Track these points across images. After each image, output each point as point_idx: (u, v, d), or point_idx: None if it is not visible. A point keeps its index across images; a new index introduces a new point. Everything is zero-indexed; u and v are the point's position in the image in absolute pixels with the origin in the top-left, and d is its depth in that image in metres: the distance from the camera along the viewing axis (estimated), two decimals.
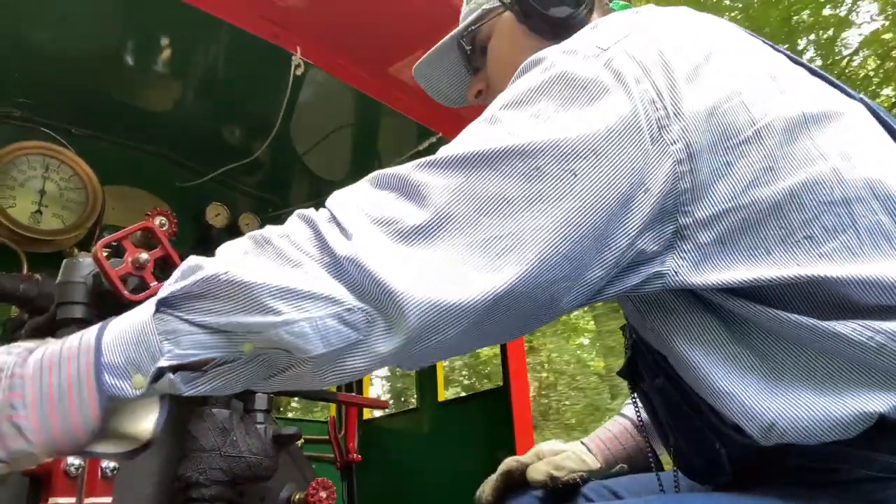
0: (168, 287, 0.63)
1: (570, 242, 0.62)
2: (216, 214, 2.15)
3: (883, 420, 0.61)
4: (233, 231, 2.17)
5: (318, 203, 2.18)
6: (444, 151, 0.67)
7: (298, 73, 1.65)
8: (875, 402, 0.61)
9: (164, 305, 0.63)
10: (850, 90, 0.79)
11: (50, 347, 0.64)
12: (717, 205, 0.65)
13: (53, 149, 1.83)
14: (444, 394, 2.26)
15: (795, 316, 0.63)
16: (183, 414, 1.26)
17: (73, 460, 0.98)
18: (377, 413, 2.58)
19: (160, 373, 0.62)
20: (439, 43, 1.09)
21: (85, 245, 1.85)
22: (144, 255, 1.06)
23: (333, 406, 2.43)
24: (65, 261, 1.17)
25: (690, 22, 0.76)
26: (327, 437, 2.24)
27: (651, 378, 0.84)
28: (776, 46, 0.81)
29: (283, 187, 2.28)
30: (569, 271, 0.63)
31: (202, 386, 0.64)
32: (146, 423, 0.66)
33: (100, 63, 1.72)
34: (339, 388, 2.33)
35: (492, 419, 1.97)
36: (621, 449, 1.22)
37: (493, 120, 0.69)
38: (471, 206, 0.63)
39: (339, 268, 0.61)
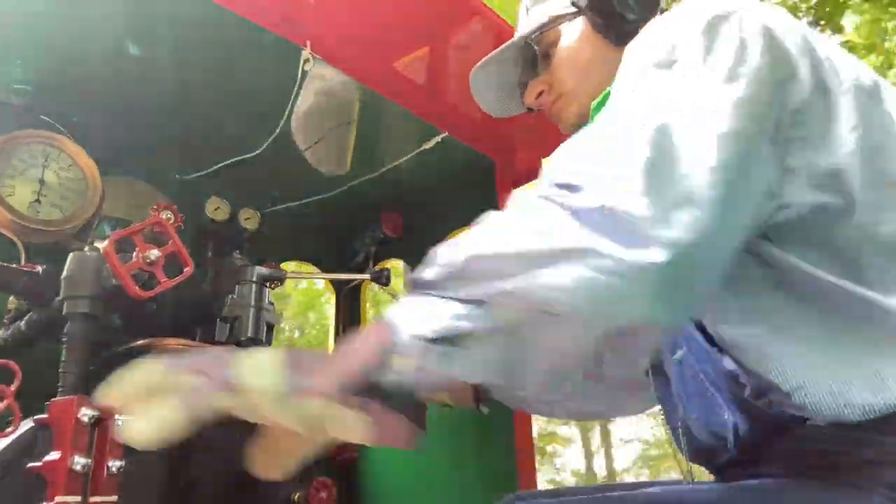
0: (421, 274, 0.68)
1: None
2: (216, 208, 2.12)
3: None
4: (232, 226, 2.14)
5: (326, 198, 2.12)
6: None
7: (307, 67, 1.63)
8: None
9: (419, 287, 0.68)
10: None
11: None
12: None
13: (53, 137, 1.79)
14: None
15: (860, 288, 0.67)
16: None
17: (80, 459, 0.96)
18: None
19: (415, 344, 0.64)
20: (497, 49, 1.13)
21: (82, 236, 1.82)
22: (156, 252, 1.04)
23: None
24: (71, 254, 1.15)
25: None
26: None
27: (670, 354, 0.88)
28: None
29: (286, 183, 2.26)
30: None
31: (458, 361, 0.64)
32: None
33: (102, 53, 1.69)
34: None
35: (492, 418, 1.96)
36: None
37: None
38: None
39: (581, 217, 0.61)
